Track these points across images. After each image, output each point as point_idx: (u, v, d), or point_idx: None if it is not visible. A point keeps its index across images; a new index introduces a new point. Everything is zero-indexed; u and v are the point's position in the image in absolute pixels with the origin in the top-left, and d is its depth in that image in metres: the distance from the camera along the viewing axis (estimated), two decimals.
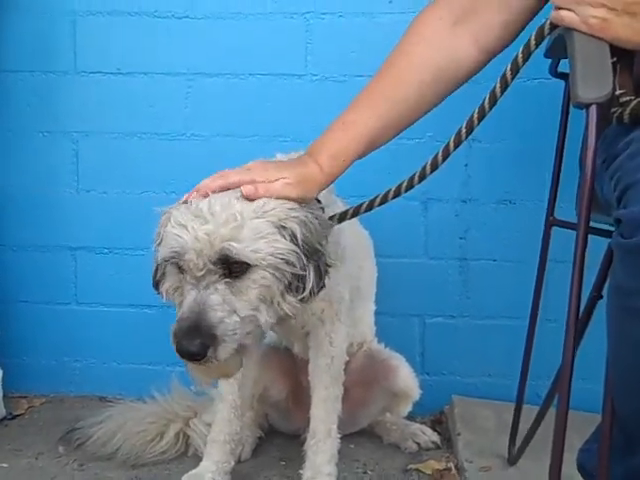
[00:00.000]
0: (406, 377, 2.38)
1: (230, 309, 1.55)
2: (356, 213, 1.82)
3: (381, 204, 1.78)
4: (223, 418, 2.11)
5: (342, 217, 1.83)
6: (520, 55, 1.55)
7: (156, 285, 1.72)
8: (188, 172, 2.67)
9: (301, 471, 2.04)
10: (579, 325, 1.62)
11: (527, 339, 2.10)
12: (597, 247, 1.57)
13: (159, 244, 1.64)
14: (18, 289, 2.85)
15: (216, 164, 2.60)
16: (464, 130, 1.64)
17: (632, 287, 1.19)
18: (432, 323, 2.70)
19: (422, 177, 1.70)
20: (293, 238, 1.58)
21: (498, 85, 1.60)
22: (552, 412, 1.49)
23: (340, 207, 1.98)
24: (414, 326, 2.71)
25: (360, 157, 1.71)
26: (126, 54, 2.74)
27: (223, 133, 2.72)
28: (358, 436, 2.47)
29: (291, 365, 2.36)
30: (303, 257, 1.60)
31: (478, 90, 2.37)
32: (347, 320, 2.07)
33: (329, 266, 1.69)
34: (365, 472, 2.26)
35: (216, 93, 2.72)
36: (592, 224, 1.52)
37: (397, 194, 1.75)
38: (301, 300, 1.64)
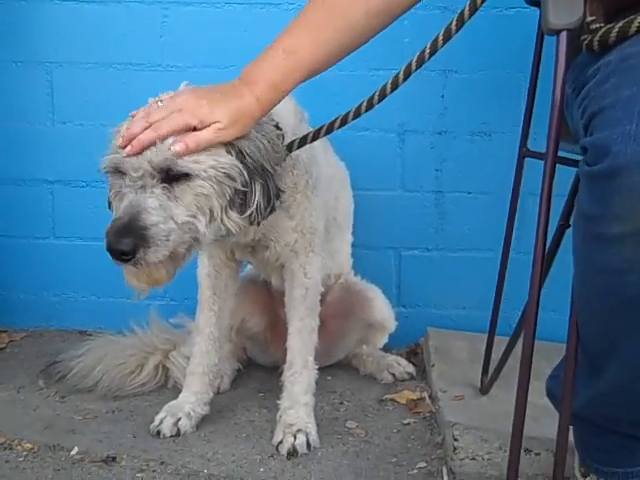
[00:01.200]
0: (382, 308, 2.43)
1: (166, 215, 1.56)
2: (315, 137, 1.80)
3: (341, 126, 1.76)
4: (201, 350, 2.14)
5: (302, 142, 1.82)
6: None
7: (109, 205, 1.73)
8: None
9: (279, 401, 2.07)
10: (548, 256, 1.65)
11: (499, 271, 2.11)
12: (569, 178, 1.59)
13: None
14: None
15: None
16: (428, 50, 1.62)
17: (596, 213, 1.21)
18: (408, 255, 2.72)
19: (382, 96, 1.70)
20: (239, 154, 1.60)
21: (467, 7, 1.57)
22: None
23: None
24: (390, 258, 2.73)
25: (297, 86, 1.64)
26: None
27: (200, 64, 2.69)
28: (335, 368, 2.52)
29: (269, 298, 2.39)
30: (246, 173, 1.61)
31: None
32: (322, 251, 2.08)
33: (282, 191, 1.72)
34: (341, 402, 2.31)
35: (192, 22, 2.68)
36: (563, 154, 1.54)
37: (357, 114, 1.73)
38: (249, 219, 1.66)
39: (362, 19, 1.60)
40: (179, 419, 2.07)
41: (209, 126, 1.55)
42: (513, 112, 2.47)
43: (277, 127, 1.77)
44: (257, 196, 1.63)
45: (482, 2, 1.55)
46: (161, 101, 1.63)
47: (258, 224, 1.71)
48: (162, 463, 1.92)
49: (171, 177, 1.57)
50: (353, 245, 2.49)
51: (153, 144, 1.54)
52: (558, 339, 2.03)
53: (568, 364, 1.44)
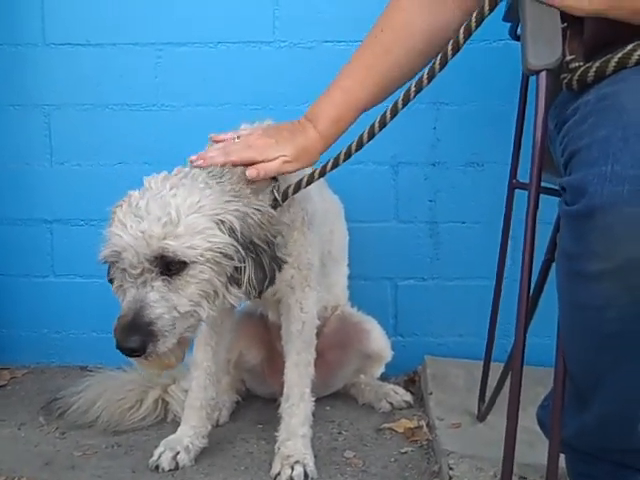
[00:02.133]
0: (379, 339, 2.44)
1: (169, 305, 1.60)
2: (310, 181, 1.85)
3: (333, 167, 1.81)
4: (199, 385, 2.15)
5: (297, 187, 1.86)
6: (473, 21, 1.56)
7: (111, 281, 1.76)
8: (160, 142, 2.71)
9: (277, 433, 2.08)
10: (535, 287, 1.67)
11: (493, 299, 2.14)
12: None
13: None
14: None
15: (188, 133, 2.67)
16: (413, 89, 1.67)
17: (575, 252, 1.23)
18: (404, 285, 2.74)
19: (371, 135, 1.75)
20: (232, 232, 1.63)
21: (450, 47, 1.60)
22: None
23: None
24: (386, 289, 2.75)
25: (355, 120, 1.80)
26: (95, 25, 2.73)
27: (193, 102, 2.73)
28: (333, 398, 2.53)
29: (265, 331, 2.40)
30: (241, 250, 1.64)
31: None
32: (317, 285, 2.10)
33: (283, 261, 1.75)
34: (340, 432, 2.32)
35: (185, 63, 2.72)
36: (550, 185, 1.56)
37: (348, 155, 1.79)
38: (245, 292, 1.68)
39: (406, 61, 1.74)
40: (177, 453, 2.08)
41: (276, 159, 1.72)
42: (504, 142, 2.46)
43: (273, 178, 1.83)
44: (249, 271, 1.66)
45: (476, 27, 1.58)
46: (238, 137, 1.79)
47: (259, 297, 1.72)
48: None
49: (170, 268, 1.59)
50: (349, 276, 2.50)
51: (218, 164, 1.71)
52: (552, 364, 2.05)
53: (556, 394, 1.44)
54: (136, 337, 1.56)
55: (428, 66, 1.66)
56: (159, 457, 2.08)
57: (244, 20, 2.69)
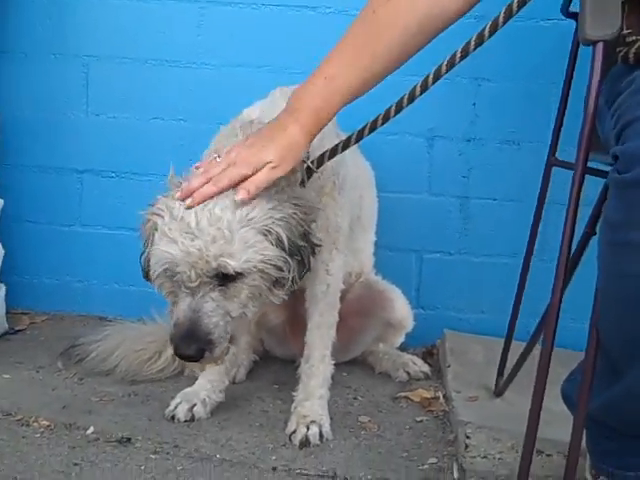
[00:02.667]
0: (402, 308, 2.44)
1: (223, 312, 1.67)
2: (346, 146, 1.85)
3: (371, 132, 1.80)
4: None
5: (332, 153, 1.86)
6: (515, 3, 1.55)
7: (145, 275, 1.81)
8: (197, 100, 2.72)
9: (294, 393, 2.09)
10: (570, 263, 1.65)
11: (520, 277, 2.13)
12: (595, 188, 1.60)
13: (147, 255, 1.74)
14: (24, 209, 2.88)
15: (225, 93, 2.66)
16: (459, 54, 1.65)
17: (622, 220, 1.22)
18: (430, 259, 2.73)
19: (411, 99, 1.72)
20: (279, 242, 1.67)
21: (487, 28, 1.60)
22: (540, 348, 1.52)
23: (342, 137, 2.01)
24: (412, 261, 2.75)
25: (339, 111, 1.72)
26: None
27: (234, 63, 2.72)
28: (351, 365, 2.53)
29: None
30: (289, 259, 1.69)
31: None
32: (345, 249, 2.11)
33: (318, 246, 1.79)
34: (355, 398, 2.32)
35: (228, 22, 2.71)
36: (592, 165, 1.55)
37: (386, 119, 1.77)
38: (289, 290, 1.76)
39: (398, 42, 1.65)
40: (194, 405, 2.10)
41: (263, 168, 1.63)
42: (542, 122, 2.47)
43: (309, 167, 1.84)
44: (293, 272, 1.71)
45: (518, 9, 1.57)
46: (219, 156, 1.69)
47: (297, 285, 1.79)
48: (176, 446, 1.94)
49: (226, 277, 1.65)
50: (376, 245, 2.50)
51: (212, 197, 1.63)
52: (574, 347, 2.05)
53: (587, 366, 1.43)
54: (195, 346, 1.64)
55: (477, 32, 1.63)
56: (175, 407, 2.10)
57: None
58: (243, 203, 1.62)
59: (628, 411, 1.42)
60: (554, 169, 2.04)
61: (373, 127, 1.79)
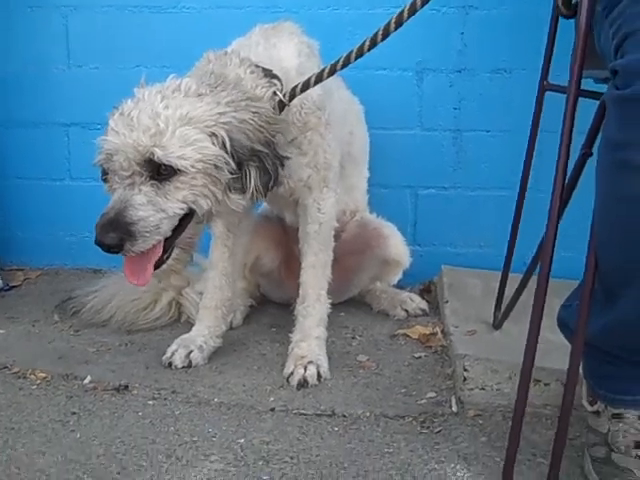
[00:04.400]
0: (398, 245, 2.41)
1: (156, 208, 1.64)
2: (319, 80, 1.81)
3: (344, 66, 1.77)
4: (214, 285, 2.15)
5: (305, 86, 1.82)
6: None
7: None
8: (181, 45, 2.65)
9: (291, 335, 2.09)
10: (567, 188, 1.61)
11: (515, 209, 2.09)
12: (588, 114, 1.55)
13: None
14: (12, 166, 2.87)
15: (208, 37, 2.58)
16: None
17: (623, 139, 1.18)
18: (424, 194, 2.70)
19: (385, 34, 1.68)
20: (223, 144, 1.65)
21: None
22: (536, 279, 1.50)
23: None
24: (406, 197, 2.72)
25: None
26: None
27: (215, 5, 2.67)
28: (348, 305, 2.52)
29: (283, 234, 2.39)
30: (232, 162, 1.66)
31: None
32: (336, 187, 2.08)
33: (286, 158, 1.77)
34: (354, 337, 2.31)
35: None
36: (586, 87, 1.50)
37: (360, 54, 1.73)
38: (251, 198, 1.73)
39: None
40: (191, 351, 2.10)
41: None
42: (534, 48, 2.39)
43: (272, 76, 1.81)
44: (253, 179, 1.69)
45: None
46: None
47: (264, 196, 1.77)
48: (173, 392, 1.94)
49: (160, 173, 1.64)
50: (370, 184, 2.48)
51: None
52: (568, 276, 2.01)
53: (585, 292, 1.41)
54: (114, 235, 1.62)
55: None
56: (172, 354, 2.09)
57: None
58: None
59: (624, 336, 1.40)
60: (547, 96, 1.98)
61: (346, 62, 1.75)
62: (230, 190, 1.69)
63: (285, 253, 2.39)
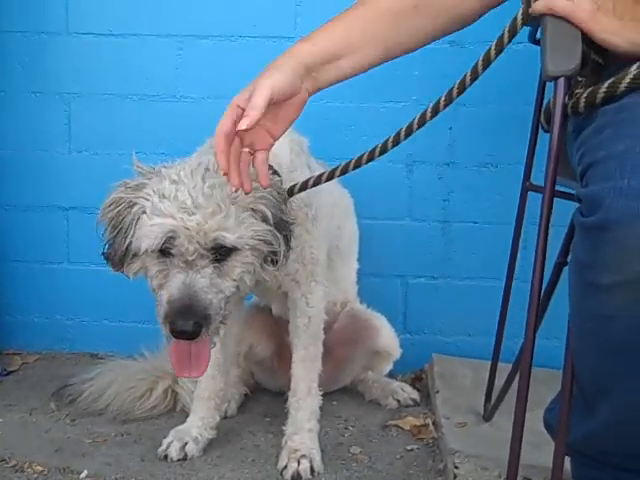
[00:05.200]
0: (388, 337, 2.46)
1: (217, 290, 1.67)
2: (317, 183, 1.86)
3: (342, 174, 1.83)
4: (208, 375, 2.14)
5: (302, 187, 1.87)
6: (493, 50, 1.59)
7: (116, 264, 1.82)
8: (179, 134, 2.72)
9: (284, 427, 2.10)
10: (546, 290, 1.68)
11: (503, 299, 2.15)
12: (571, 209, 1.61)
13: (127, 232, 1.72)
14: (11, 248, 2.89)
15: (206, 126, 2.64)
16: (455, 90, 1.66)
17: (588, 262, 1.24)
18: (414, 284, 2.76)
19: (408, 134, 1.73)
20: (265, 218, 1.70)
21: (469, 75, 1.62)
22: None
23: (314, 170, 2.05)
24: (397, 286, 2.77)
25: (330, 57, 1.68)
26: (118, 16, 2.75)
27: (213, 95, 2.73)
28: (341, 394, 2.54)
29: (274, 324, 2.42)
30: (277, 233, 1.71)
31: (462, 53, 2.41)
32: (324, 280, 2.12)
33: (293, 224, 1.81)
34: (346, 428, 2.33)
35: (206, 55, 2.74)
36: (565, 189, 1.57)
37: (383, 151, 1.78)
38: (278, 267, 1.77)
39: (407, 9, 1.67)
40: (186, 443, 2.11)
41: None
42: (520, 145, 2.47)
43: (274, 171, 1.85)
44: (283, 248, 1.74)
45: (509, 41, 1.59)
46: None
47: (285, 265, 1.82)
48: None
49: (219, 255, 1.67)
50: (360, 273, 2.52)
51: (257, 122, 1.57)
52: (560, 366, 2.05)
53: (563, 398, 1.45)
54: (192, 321, 1.62)
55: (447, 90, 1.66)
56: (168, 447, 2.10)
57: (266, 15, 2.71)
58: (247, 129, 1.56)
59: (605, 443, 1.44)
60: (530, 193, 2.06)
61: (345, 170, 1.82)
62: (265, 262, 1.75)
63: (277, 342, 2.42)
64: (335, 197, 2.33)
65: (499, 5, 1.73)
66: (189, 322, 1.62)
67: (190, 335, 1.64)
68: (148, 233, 1.67)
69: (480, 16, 1.74)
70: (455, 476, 1.88)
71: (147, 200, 1.69)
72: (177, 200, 1.64)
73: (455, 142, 2.67)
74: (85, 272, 2.87)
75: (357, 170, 1.86)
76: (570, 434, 1.45)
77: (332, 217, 2.24)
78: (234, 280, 1.70)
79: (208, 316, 1.64)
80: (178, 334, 1.64)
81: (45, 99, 2.82)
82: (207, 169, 1.72)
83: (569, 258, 1.38)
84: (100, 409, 2.35)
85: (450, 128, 2.65)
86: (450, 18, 1.71)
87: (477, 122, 2.64)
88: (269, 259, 1.75)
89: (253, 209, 1.69)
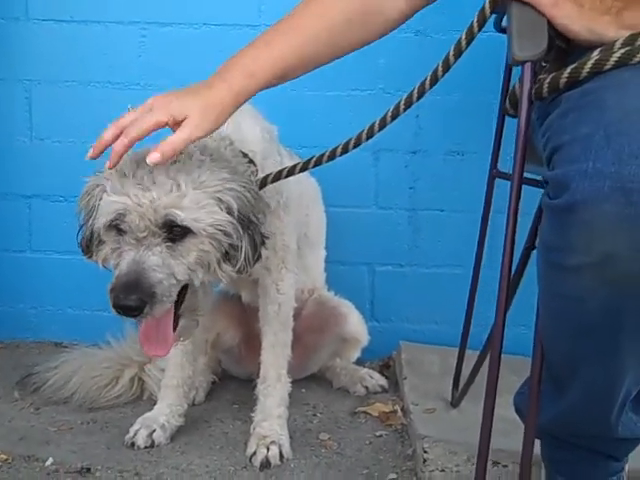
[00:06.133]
0: (356, 323, 2.46)
1: (169, 272, 1.63)
2: (290, 173, 1.86)
3: (315, 165, 1.84)
4: (175, 363, 2.17)
5: (276, 177, 1.88)
6: (463, 39, 1.61)
7: (86, 251, 1.81)
8: None
9: (253, 414, 2.10)
10: (515, 275, 1.69)
11: (470, 287, 2.16)
12: (539, 196, 1.63)
13: (92, 214, 1.70)
14: None
15: None
16: (428, 81, 1.66)
17: (555, 244, 1.25)
18: (381, 271, 2.77)
19: (382, 126, 1.73)
20: (230, 210, 1.66)
21: (464, 37, 1.62)
22: None
23: (284, 157, 2.08)
24: (364, 274, 2.78)
25: (269, 85, 1.65)
26: (79, 2, 2.72)
27: (177, 83, 2.65)
28: (309, 381, 2.55)
29: (243, 312, 2.42)
30: (240, 228, 1.68)
31: (426, 42, 2.42)
32: (294, 268, 2.13)
33: (266, 237, 1.78)
34: (314, 414, 2.34)
35: (170, 43, 2.71)
36: (532, 176, 1.58)
37: (358, 143, 1.78)
38: (238, 270, 1.72)
39: (340, 27, 1.65)
40: (153, 431, 2.10)
41: (180, 124, 1.53)
42: (486, 133, 2.48)
43: (250, 160, 1.86)
44: (244, 248, 1.70)
45: (479, 30, 1.60)
46: (134, 108, 1.62)
47: (246, 272, 1.76)
48: (136, 474, 1.94)
49: (174, 234, 1.63)
50: (327, 261, 2.52)
51: (126, 151, 1.55)
52: (527, 353, 2.08)
53: (532, 382, 1.47)
54: (136, 296, 1.58)
55: (419, 82, 1.66)
56: (135, 434, 2.09)
57: (230, 3, 2.69)
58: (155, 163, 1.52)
59: (575, 424, 1.46)
60: (497, 180, 2.07)
61: (318, 162, 1.82)
62: (223, 260, 1.70)
63: (245, 330, 2.42)
64: (303, 185, 2.32)
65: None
66: (132, 297, 1.58)
67: (133, 310, 1.59)
68: (103, 211, 1.65)
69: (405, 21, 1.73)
70: (424, 460, 1.89)
71: (108, 180, 1.66)
72: (135, 178, 1.61)
73: (421, 130, 2.68)
74: (48, 260, 2.85)
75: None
76: (540, 416, 1.46)
77: (300, 205, 2.24)
78: (188, 264, 1.65)
79: (154, 294, 1.59)
80: (120, 308, 1.59)
81: (6, 86, 2.78)
82: (181, 153, 1.68)
83: (537, 242, 1.40)
84: (65, 397, 2.34)
85: (417, 116, 2.65)
86: (381, 24, 1.70)
87: (443, 110, 2.65)
88: (228, 257, 1.70)
89: (220, 199, 1.65)
